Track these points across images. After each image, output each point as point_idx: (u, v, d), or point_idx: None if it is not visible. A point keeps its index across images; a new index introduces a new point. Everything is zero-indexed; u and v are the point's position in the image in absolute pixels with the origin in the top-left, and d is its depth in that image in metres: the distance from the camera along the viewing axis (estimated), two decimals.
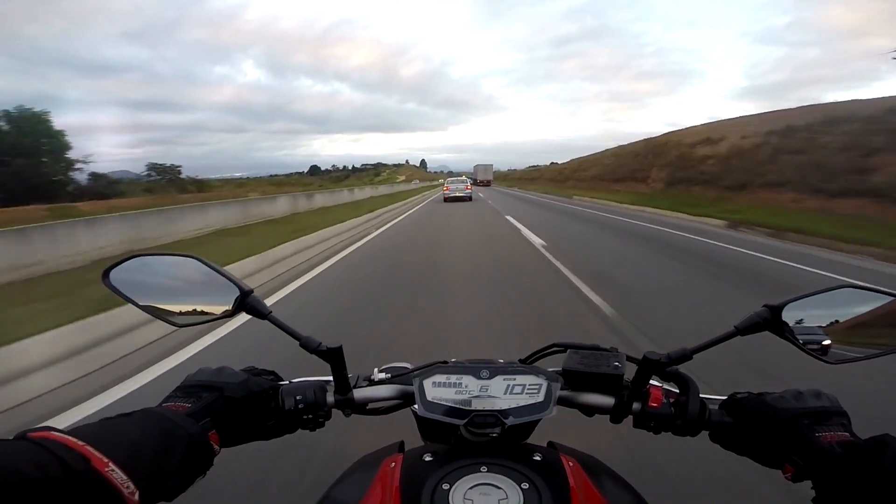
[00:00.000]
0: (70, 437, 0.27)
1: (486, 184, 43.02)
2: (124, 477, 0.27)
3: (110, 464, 0.26)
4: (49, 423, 1.66)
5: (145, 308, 0.43)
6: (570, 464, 0.40)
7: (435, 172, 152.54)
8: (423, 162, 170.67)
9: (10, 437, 0.26)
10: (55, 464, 0.25)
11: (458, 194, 16.43)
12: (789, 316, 0.38)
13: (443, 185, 19.61)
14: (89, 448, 0.26)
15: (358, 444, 0.49)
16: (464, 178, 20.58)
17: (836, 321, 0.40)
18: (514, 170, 70.21)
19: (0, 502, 0.22)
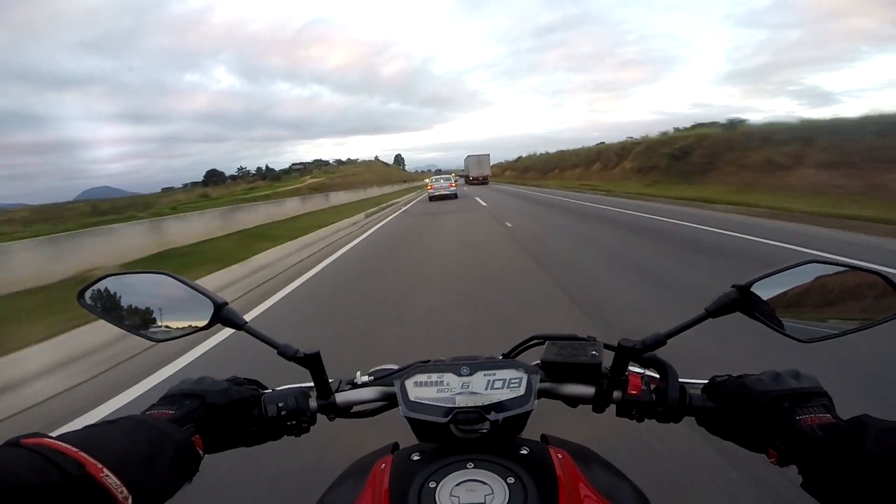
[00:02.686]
0: (64, 444, 0.31)
1: (482, 181, 37.62)
2: (118, 482, 0.31)
3: (104, 469, 0.31)
4: None
5: (121, 325, 0.51)
6: (560, 455, 0.46)
7: (420, 172, 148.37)
8: (398, 158, 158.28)
9: (2, 444, 0.30)
10: (53, 470, 0.28)
11: (442, 192, 19.33)
12: (757, 294, 0.44)
13: (427, 185, 23.04)
14: (83, 454, 0.31)
15: (354, 448, 0.57)
16: (449, 176, 23.59)
17: (806, 297, 0.46)
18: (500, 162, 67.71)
19: None
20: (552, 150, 51.64)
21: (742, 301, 0.45)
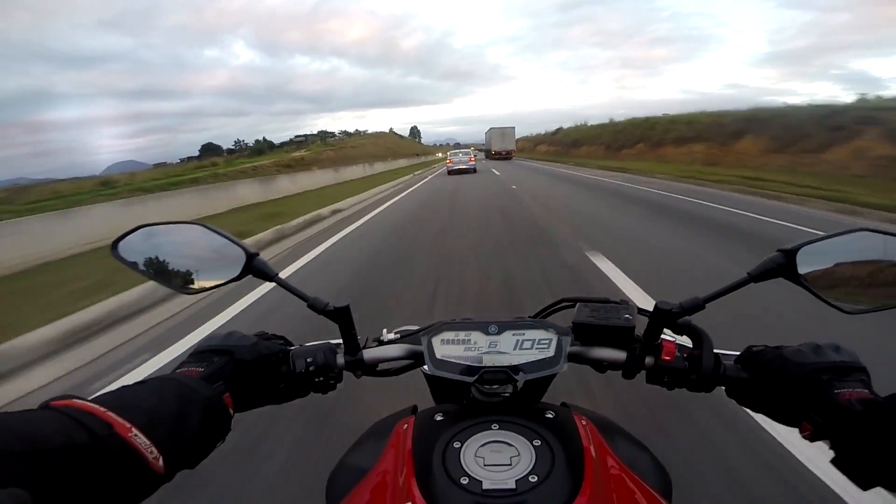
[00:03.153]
0: (92, 405, 0.33)
1: (506, 156, 35.42)
2: (147, 442, 0.33)
3: (133, 429, 0.32)
4: None
5: (154, 277, 0.54)
6: (584, 423, 0.47)
7: (438, 145, 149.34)
8: (414, 130, 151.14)
9: (34, 408, 0.32)
10: (80, 431, 0.30)
11: (461, 166, 20.06)
12: (803, 261, 0.45)
13: (445, 159, 23.39)
14: (111, 414, 0.32)
15: (373, 412, 0.64)
16: (468, 150, 24.07)
17: (853, 267, 0.47)
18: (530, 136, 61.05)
19: (30, 469, 0.26)
20: (572, 124, 45.16)
21: (787, 266, 0.45)
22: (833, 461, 0.38)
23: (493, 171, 20.48)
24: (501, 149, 36.23)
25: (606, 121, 33.28)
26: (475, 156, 22.07)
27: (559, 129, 45.22)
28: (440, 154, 63.48)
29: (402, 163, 37.43)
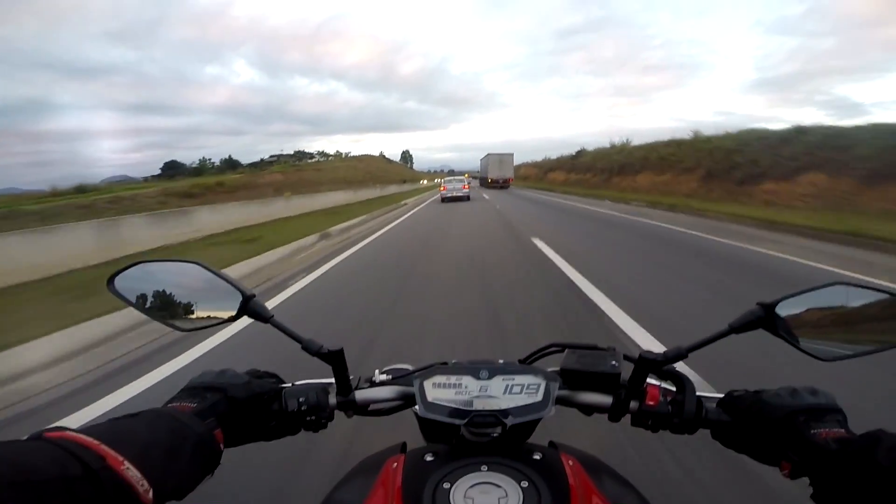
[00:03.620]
0: (85, 437, 0.34)
1: (503, 185, 35.05)
2: (139, 475, 0.34)
3: (125, 462, 0.34)
4: None
5: (149, 313, 0.57)
6: (570, 463, 0.51)
7: (432, 172, 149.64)
8: (405, 155, 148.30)
9: (25, 438, 0.33)
10: (74, 463, 0.31)
11: (455, 194, 20.63)
12: (782, 313, 0.50)
13: (431, 185, 24.25)
14: (104, 447, 0.34)
15: (361, 446, 0.66)
16: (462, 177, 24.80)
17: (830, 318, 0.52)
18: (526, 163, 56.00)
19: (23, 499, 0.27)
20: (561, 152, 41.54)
21: (766, 318, 0.51)
22: (812, 496, 0.42)
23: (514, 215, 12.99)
24: (499, 176, 35.65)
25: (642, 141, 26.57)
26: (469, 183, 22.70)
27: (581, 152, 37.31)
28: (424, 181, 61.70)
29: (372, 193, 29.30)
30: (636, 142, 28.28)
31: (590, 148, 37.27)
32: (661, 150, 23.04)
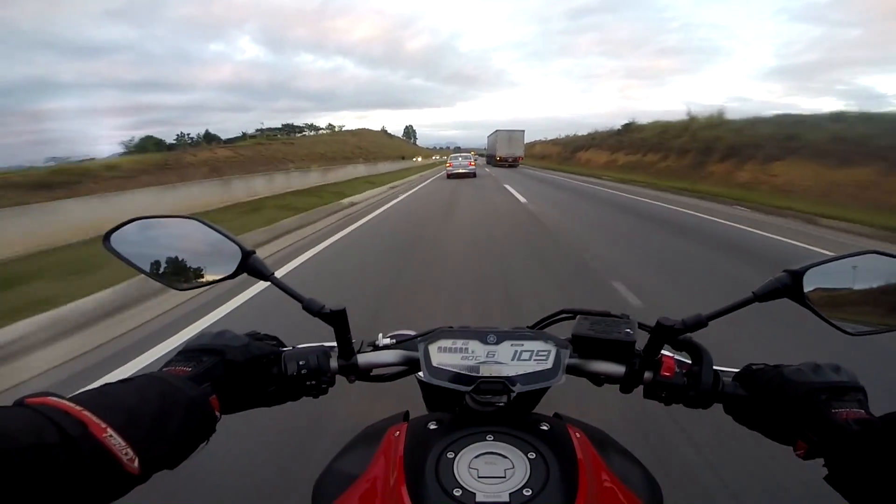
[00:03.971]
0: (68, 403, 0.34)
1: (512, 163, 34.49)
2: (122, 443, 0.34)
3: (108, 429, 0.34)
4: None
5: (146, 272, 0.57)
6: (578, 435, 0.51)
7: (438, 148, 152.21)
8: (408, 130, 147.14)
9: (9, 405, 0.33)
10: (51, 430, 0.31)
11: (461, 170, 21.42)
12: (810, 282, 0.49)
13: (432, 164, 24.22)
14: (87, 413, 0.33)
15: (362, 416, 0.69)
16: (468, 154, 25.53)
17: (859, 289, 0.52)
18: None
19: None
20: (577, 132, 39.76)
21: (793, 287, 0.50)
22: (827, 478, 0.42)
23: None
24: (508, 154, 34.76)
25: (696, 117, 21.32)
26: (475, 160, 23.27)
27: (629, 125, 30.70)
28: (418, 159, 56.74)
29: (359, 171, 24.65)
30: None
31: (601, 128, 35.42)
32: (827, 126, 14.51)
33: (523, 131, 36.02)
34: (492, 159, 38.81)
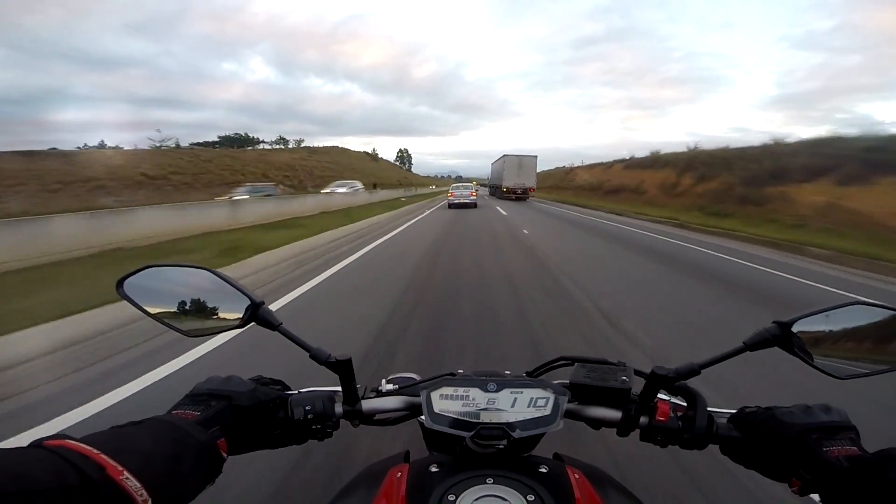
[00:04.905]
0: (85, 446, 0.38)
1: (521, 195, 32.35)
2: (138, 485, 0.38)
3: (125, 472, 0.38)
4: None
5: (157, 318, 0.63)
6: (576, 476, 0.56)
7: (441, 178, 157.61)
8: (403, 155, 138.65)
9: (25, 446, 0.36)
10: (72, 472, 0.35)
11: (462, 200, 23.24)
12: (798, 331, 0.56)
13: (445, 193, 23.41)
14: (104, 457, 0.37)
15: (363, 453, 0.76)
16: (470, 184, 26.96)
17: (846, 337, 0.58)
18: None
19: None
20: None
21: (782, 336, 0.56)
22: None
23: None
24: (517, 184, 32.15)
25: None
26: (476, 191, 24.78)
27: (694, 149, 25.97)
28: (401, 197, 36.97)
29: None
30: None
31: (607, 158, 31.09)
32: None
33: (535, 157, 32.64)
34: (497, 190, 35.56)
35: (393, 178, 70.24)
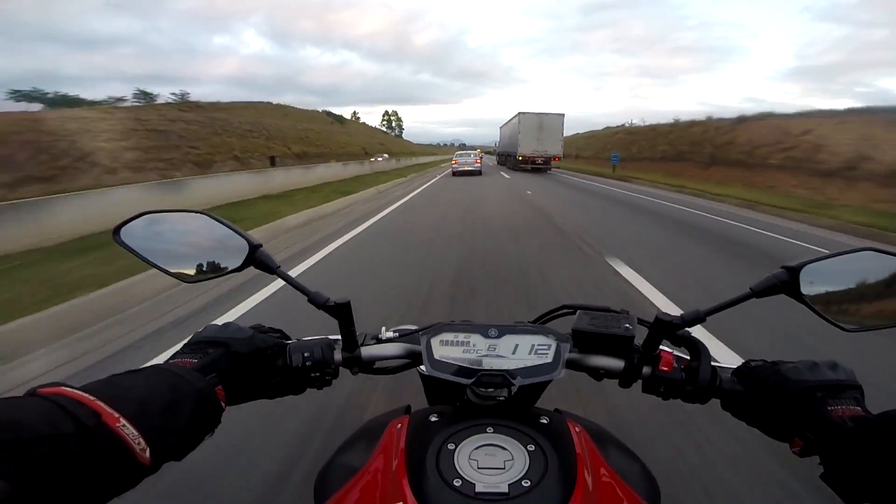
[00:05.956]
0: (81, 393, 0.37)
1: (539, 165, 26.00)
2: (135, 433, 0.37)
3: (121, 419, 0.37)
4: None
5: (155, 264, 0.63)
6: (577, 430, 0.56)
7: (444, 146, 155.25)
8: (391, 120, 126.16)
9: (22, 394, 0.36)
10: (67, 419, 0.34)
11: (466, 168, 22.93)
12: (806, 278, 0.54)
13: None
14: (100, 403, 0.36)
15: (365, 411, 0.77)
16: (474, 152, 26.36)
17: (856, 286, 0.57)
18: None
19: (12, 458, 0.30)
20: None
21: (790, 283, 0.54)
22: (822, 476, 0.45)
23: None
24: (536, 152, 25.34)
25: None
26: (481, 158, 24.24)
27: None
28: (378, 158, 36.34)
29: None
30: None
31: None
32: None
33: (562, 115, 25.38)
34: (508, 159, 28.90)
35: (363, 145, 56.68)
